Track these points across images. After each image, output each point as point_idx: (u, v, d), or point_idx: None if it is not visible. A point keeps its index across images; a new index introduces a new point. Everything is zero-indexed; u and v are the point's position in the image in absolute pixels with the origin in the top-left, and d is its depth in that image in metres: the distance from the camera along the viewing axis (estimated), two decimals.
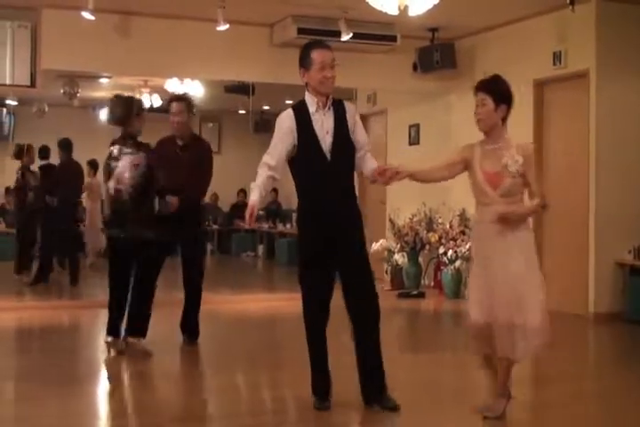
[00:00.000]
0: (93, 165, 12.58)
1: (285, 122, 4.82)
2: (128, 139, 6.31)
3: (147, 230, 6.24)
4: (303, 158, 4.82)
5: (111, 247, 6.63)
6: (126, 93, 7.27)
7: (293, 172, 4.92)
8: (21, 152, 11.22)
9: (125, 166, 6.23)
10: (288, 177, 5.00)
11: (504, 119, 4.66)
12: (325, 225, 4.79)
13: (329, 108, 4.86)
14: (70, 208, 10.81)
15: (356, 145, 4.91)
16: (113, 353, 6.40)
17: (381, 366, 4.85)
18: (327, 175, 4.80)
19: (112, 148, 6.37)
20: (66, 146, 10.90)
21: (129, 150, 6.26)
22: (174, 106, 6.73)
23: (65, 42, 8.63)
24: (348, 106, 5.00)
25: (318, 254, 4.80)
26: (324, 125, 4.82)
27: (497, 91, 4.63)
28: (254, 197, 4.75)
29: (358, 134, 4.94)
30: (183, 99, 6.92)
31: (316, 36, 8.47)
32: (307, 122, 4.80)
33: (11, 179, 11.83)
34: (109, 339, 6.40)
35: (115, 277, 6.46)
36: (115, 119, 6.36)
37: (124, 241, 6.31)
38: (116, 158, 6.29)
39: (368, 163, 4.95)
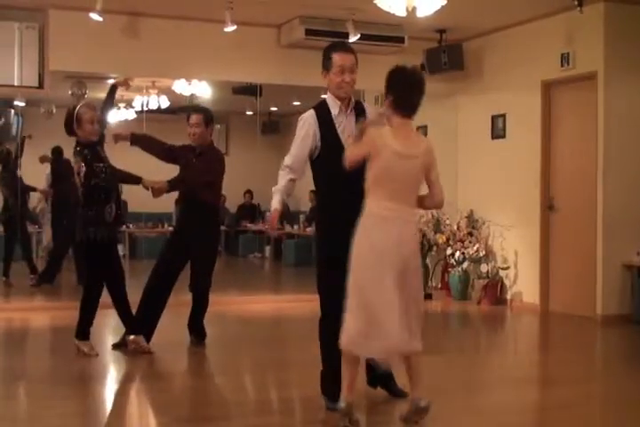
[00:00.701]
0: None
1: (307, 123, 4.81)
2: (76, 147, 6.56)
3: (78, 231, 6.42)
4: (326, 160, 4.81)
5: None
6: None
7: (315, 172, 4.90)
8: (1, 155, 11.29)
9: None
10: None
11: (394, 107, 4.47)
12: (344, 225, 4.77)
13: (351, 111, 4.88)
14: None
15: None
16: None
17: None
18: (349, 177, 4.79)
19: None
20: None
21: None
22: (193, 117, 6.88)
23: (73, 43, 8.64)
24: (368, 108, 5.02)
25: (338, 253, 4.75)
26: (346, 128, 4.83)
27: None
28: (276, 202, 4.75)
29: None
30: (202, 111, 7.06)
31: (323, 38, 8.51)
32: (329, 124, 4.81)
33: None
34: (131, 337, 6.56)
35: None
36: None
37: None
38: None
39: None
